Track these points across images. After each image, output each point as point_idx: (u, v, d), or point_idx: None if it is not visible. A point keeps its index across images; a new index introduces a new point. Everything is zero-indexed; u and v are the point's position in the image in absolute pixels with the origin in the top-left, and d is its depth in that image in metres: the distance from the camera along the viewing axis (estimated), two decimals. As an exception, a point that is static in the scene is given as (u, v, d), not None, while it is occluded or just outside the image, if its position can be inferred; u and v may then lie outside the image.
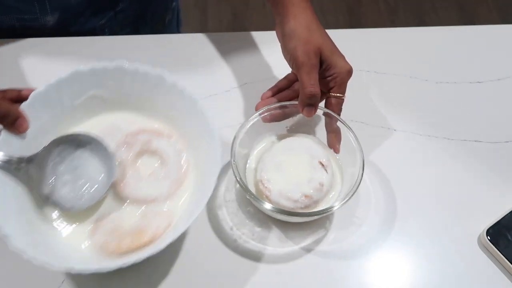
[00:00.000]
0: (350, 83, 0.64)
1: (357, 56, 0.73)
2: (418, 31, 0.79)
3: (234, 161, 0.55)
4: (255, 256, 0.56)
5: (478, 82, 0.72)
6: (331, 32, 0.63)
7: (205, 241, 0.57)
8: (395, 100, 0.69)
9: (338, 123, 0.59)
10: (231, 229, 0.58)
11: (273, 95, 0.61)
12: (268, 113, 0.59)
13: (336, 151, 0.60)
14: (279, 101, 0.60)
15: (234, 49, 0.73)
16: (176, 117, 0.57)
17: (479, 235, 0.58)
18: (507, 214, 0.59)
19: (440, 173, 0.63)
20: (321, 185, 0.56)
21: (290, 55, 0.57)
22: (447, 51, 0.75)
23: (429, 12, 1.94)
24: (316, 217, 0.56)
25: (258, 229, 0.58)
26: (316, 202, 0.56)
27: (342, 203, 0.54)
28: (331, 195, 0.58)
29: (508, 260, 0.56)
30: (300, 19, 0.58)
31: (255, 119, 0.59)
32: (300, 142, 0.60)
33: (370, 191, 0.61)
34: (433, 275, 0.56)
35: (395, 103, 0.69)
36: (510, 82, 0.72)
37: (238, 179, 0.54)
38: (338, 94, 0.58)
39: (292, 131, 0.63)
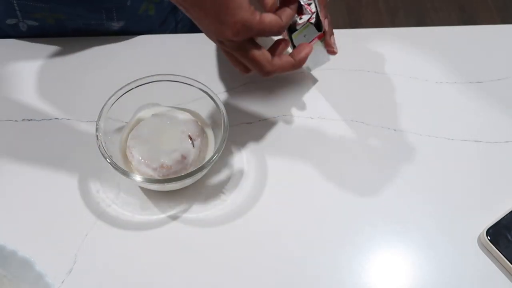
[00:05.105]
0: (350, 83, 0.64)
1: (357, 56, 0.73)
2: (418, 31, 0.79)
3: (99, 133, 0.56)
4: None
5: (478, 82, 0.72)
6: (331, 32, 0.63)
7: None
8: (395, 100, 0.69)
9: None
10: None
11: None
12: None
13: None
14: None
15: (234, 49, 0.73)
16: None
17: (479, 235, 0.58)
18: (507, 214, 0.59)
19: (439, 173, 0.63)
20: (184, 157, 0.57)
21: None
22: (447, 51, 0.75)
23: (429, 12, 1.94)
24: (172, 184, 0.56)
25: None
26: (176, 173, 0.57)
27: (199, 171, 0.54)
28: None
29: (508, 260, 0.56)
30: None
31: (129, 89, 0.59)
32: (178, 115, 0.60)
33: (368, 192, 0.62)
34: (432, 275, 0.56)
35: (395, 103, 0.69)
36: (510, 82, 0.72)
37: (98, 144, 0.55)
38: None
39: (178, 105, 0.63)
